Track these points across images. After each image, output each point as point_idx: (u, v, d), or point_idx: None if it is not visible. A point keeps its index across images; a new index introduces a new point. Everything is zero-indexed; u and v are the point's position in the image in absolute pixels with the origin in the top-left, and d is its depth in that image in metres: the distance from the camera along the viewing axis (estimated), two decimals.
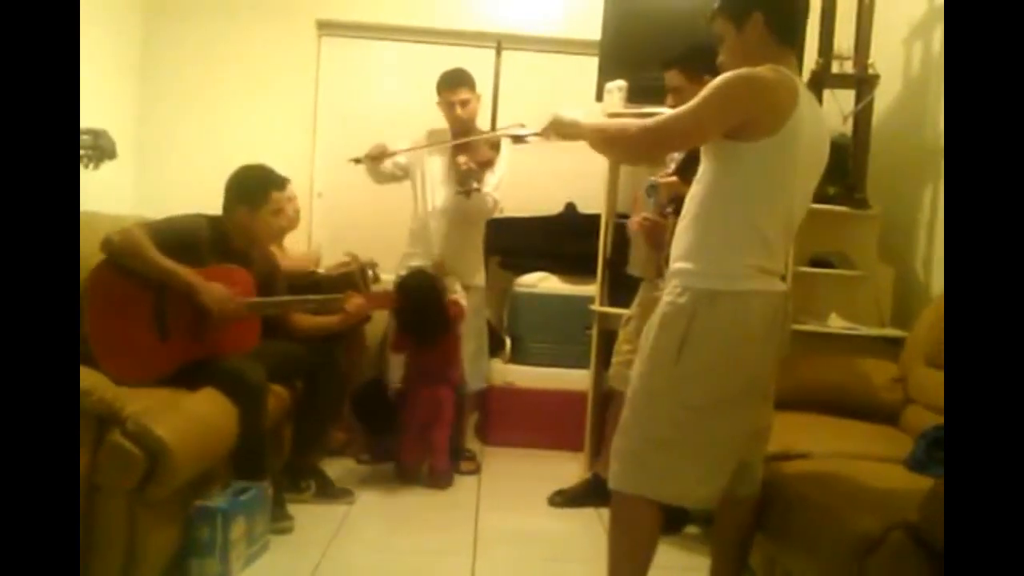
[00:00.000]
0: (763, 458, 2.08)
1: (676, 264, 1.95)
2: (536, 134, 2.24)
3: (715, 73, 1.92)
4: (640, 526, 1.95)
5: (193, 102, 4.13)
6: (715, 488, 1.93)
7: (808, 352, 3.40)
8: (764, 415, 2.02)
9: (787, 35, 1.93)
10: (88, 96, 3.44)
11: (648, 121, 1.94)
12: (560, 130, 2.10)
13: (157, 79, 4.09)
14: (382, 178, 3.61)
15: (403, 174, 3.61)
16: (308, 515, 2.85)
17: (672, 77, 2.77)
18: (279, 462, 2.94)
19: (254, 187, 2.81)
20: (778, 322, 1.94)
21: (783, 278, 1.97)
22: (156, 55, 4.09)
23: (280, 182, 2.87)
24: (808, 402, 2.87)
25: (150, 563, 2.17)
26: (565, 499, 3.21)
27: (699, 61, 2.52)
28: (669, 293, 1.94)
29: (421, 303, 3.32)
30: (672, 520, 1.94)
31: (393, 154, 3.52)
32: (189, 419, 2.32)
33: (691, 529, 2.76)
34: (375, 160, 3.51)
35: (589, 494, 3.13)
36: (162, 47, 4.09)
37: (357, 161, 3.49)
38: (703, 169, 1.95)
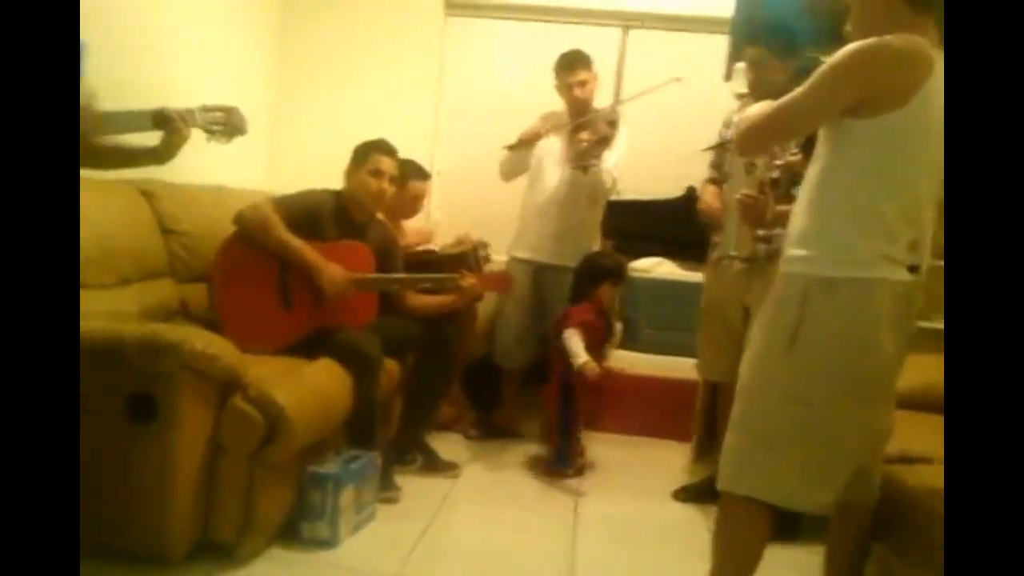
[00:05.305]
0: (882, 463, 1.94)
1: (789, 252, 1.82)
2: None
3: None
4: (746, 529, 1.88)
5: (324, 82, 4.27)
6: (828, 493, 1.80)
7: (936, 350, 3.20)
8: (884, 417, 1.87)
9: (920, 1, 1.71)
10: (228, 77, 3.64)
11: (766, 109, 1.86)
12: None
13: (291, 60, 4.25)
14: (515, 171, 3.61)
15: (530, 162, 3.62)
16: (414, 487, 2.93)
17: (753, 52, 2.79)
18: (388, 434, 3.02)
19: (362, 148, 2.92)
20: (903, 315, 1.78)
21: (913, 268, 1.78)
22: (291, 37, 4.24)
23: (386, 148, 2.91)
24: (935, 403, 2.69)
25: (265, 522, 2.27)
26: (690, 494, 3.09)
27: (780, 36, 2.69)
28: (780, 282, 1.83)
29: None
30: (786, 526, 1.84)
31: (540, 137, 3.51)
32: (307, 387, 2.40)
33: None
34: (530, 144, 3.52)
35: (714, 491, 3.03)
36: (297, 29, 4.24)
37: (511, 148, 3.52)
38: (818, 151, 1.81)
